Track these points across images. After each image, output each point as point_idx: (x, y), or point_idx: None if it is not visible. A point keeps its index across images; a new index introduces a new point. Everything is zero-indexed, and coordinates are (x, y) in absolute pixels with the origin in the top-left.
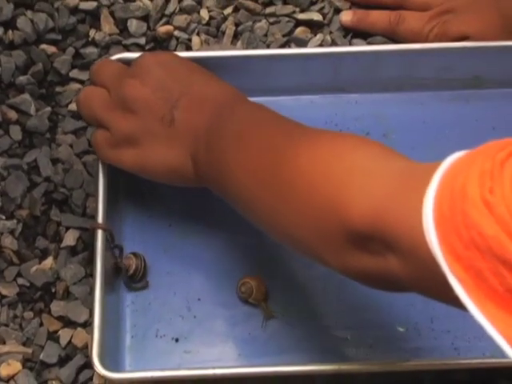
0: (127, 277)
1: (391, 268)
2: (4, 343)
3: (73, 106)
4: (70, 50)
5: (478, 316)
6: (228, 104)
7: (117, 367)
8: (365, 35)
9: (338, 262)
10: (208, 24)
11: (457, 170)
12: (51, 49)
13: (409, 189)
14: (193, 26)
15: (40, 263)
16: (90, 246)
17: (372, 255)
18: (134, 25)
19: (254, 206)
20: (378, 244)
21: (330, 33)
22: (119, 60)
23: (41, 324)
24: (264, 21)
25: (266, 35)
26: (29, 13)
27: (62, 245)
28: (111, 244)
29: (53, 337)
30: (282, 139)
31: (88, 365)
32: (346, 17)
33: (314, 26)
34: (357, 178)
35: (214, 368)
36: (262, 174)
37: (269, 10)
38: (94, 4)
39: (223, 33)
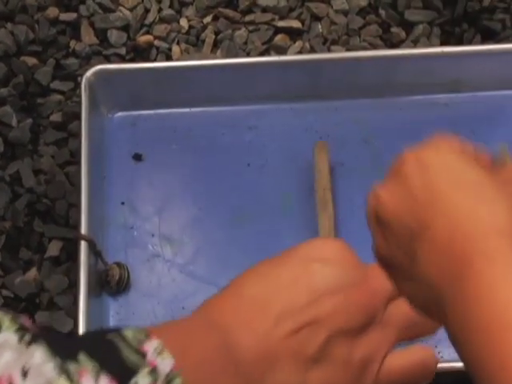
0: (111, 286)
1: None
2: None
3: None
4: (51, 62)
5: None
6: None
7: None
8: (343, 42)
9: None
10: (188, 33)
11: None
12: (32, 60)
13: None
14: (173, 35)
15: (24, 274)
16: (73, 256)
17: None
18: (114, 35)
19: None
20: None
21: (309, 40)
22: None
23: None
24: (243, 29)
25: (245, 43)
26: (9, 25)
27: (46, 255)
28: (94, 254)
29: None
30: None
31: None
32: None
33: (293, 33)
34: None
35: None
36: None
37: (248, 17)
38: (74, 15)
39: (203, 41)
